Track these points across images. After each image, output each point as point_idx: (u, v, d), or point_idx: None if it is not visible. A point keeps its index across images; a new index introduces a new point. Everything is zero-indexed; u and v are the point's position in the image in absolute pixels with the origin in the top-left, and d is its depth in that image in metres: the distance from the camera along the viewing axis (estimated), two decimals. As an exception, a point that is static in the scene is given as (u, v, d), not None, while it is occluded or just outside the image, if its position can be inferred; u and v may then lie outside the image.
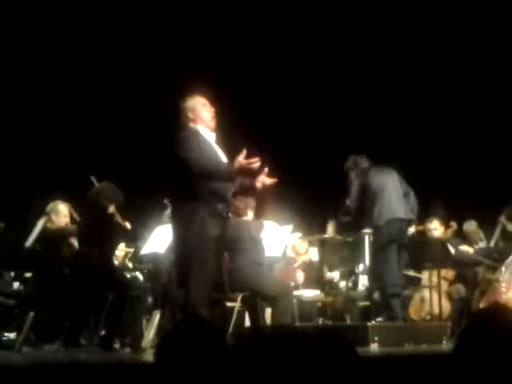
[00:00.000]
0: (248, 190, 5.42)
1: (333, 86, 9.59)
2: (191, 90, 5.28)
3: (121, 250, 7.35)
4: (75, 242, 6.61)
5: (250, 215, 6.32)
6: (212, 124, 5.12)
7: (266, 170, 5.11)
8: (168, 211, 7.06)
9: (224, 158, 5.12)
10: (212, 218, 4.88)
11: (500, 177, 8.60)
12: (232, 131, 5.35)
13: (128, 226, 6.73)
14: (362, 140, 6.83)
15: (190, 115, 5.08)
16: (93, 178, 6.77)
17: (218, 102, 5.23)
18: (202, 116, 5.08)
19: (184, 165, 4.83)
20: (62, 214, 6.90)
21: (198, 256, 4.86)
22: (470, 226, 8.09)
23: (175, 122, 5.22)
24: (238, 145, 5.50)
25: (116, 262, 7.00)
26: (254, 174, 5.01)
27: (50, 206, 6.97)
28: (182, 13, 9.23)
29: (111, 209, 6.35)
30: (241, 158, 4.82)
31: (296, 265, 7.94)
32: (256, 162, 4.86)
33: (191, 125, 5.09)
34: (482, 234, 8.07)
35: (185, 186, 4.90)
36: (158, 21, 9.22)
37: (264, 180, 5.12)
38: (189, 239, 4.87)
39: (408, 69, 9.48)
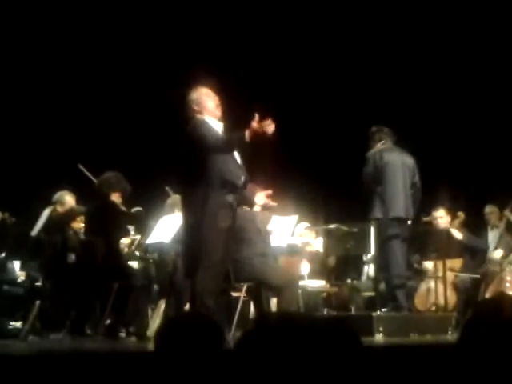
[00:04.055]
0: (246, 202, 5.49)
1: (337, 76, 9.55)
2: (194, 82, 5.31)
3: (126, 238, 7.36)
4: (81, 229, 6.62)
5: (257, 207, 6.31)
6: (218, 113, 5.15)
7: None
8: (169, 200, 7.08)
9: None
10: (223, 209, 4.91)
11: (508, 169, 8.57)
12: (236, 120, 5.35)
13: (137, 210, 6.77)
14: (368, 130, 6.78)
15: (196, 107, 5.14)
16: (81, 167, 6.79)
17: (222, 90, 5.24)
18: (206, 106, 5.13)
19: (200, 143, 4.84)
20: (67, 204, 6.91)
21: (208, 247, 4.86)
22: (492, 208, 8.14)
23: (179, 114, 5.25)
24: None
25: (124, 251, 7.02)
26: (268, 138, 4.77)
27: (57, 195, 6.98)
28: (187, 5, 9.20)
29: (114, 197, 6.35)
30: (254, 123, 4.67)
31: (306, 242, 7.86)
32: (269, 124, 4.68)
33: (198, 116, 5.12)
34: (498, 221, 8.06)
35: (197, 177, 4.92)
36: (161, 12, 9.19)
37: (264, 127, 4.72)
38: (200, 230, 4.87)
39: (414, 57, 9.44)
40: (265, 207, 5.39)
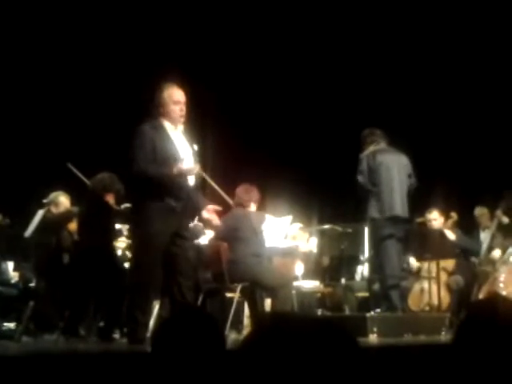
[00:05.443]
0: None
1: (331, 78, 9.56)
2: (169, 80, 5.19)
3: (122, 241, 7.34)
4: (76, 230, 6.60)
5: (253, 207, 6.32)
6: (179, 122, 5.07)
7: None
8: None
9: (188, 151, 5.06)
10: (160, 212, 4.82)
11: (500, 169, 8.59)
12: (228, 124, 5.33)
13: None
14: (361, 130, 6.79)
15: (160, 109, 5.05)
16: (70, 166, 6.77)
17: (212, 94, 5.20)
18: (169, 112, 5.03)
19: (128, 164, 4.91)
20: (62, 205, 6.89)
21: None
22: (482, 210, 8.16)
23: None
24: (235, 138, 5.51)
25: (118, 252, 7.01)
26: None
27: (51, 196, 6.95)
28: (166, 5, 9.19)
29: (108, 198, 6.34)
30: (174, 169, 4.86)
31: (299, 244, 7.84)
32: (194, 169, 4.97)
33: (157, 118, 5.06)
34: (490, 222, 8.09)
35: (134, 183, 5.00)
36: (140, 11, 9.18)
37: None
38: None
39: (408, 58, 9.45)
40: (206, 222, 5.32)
